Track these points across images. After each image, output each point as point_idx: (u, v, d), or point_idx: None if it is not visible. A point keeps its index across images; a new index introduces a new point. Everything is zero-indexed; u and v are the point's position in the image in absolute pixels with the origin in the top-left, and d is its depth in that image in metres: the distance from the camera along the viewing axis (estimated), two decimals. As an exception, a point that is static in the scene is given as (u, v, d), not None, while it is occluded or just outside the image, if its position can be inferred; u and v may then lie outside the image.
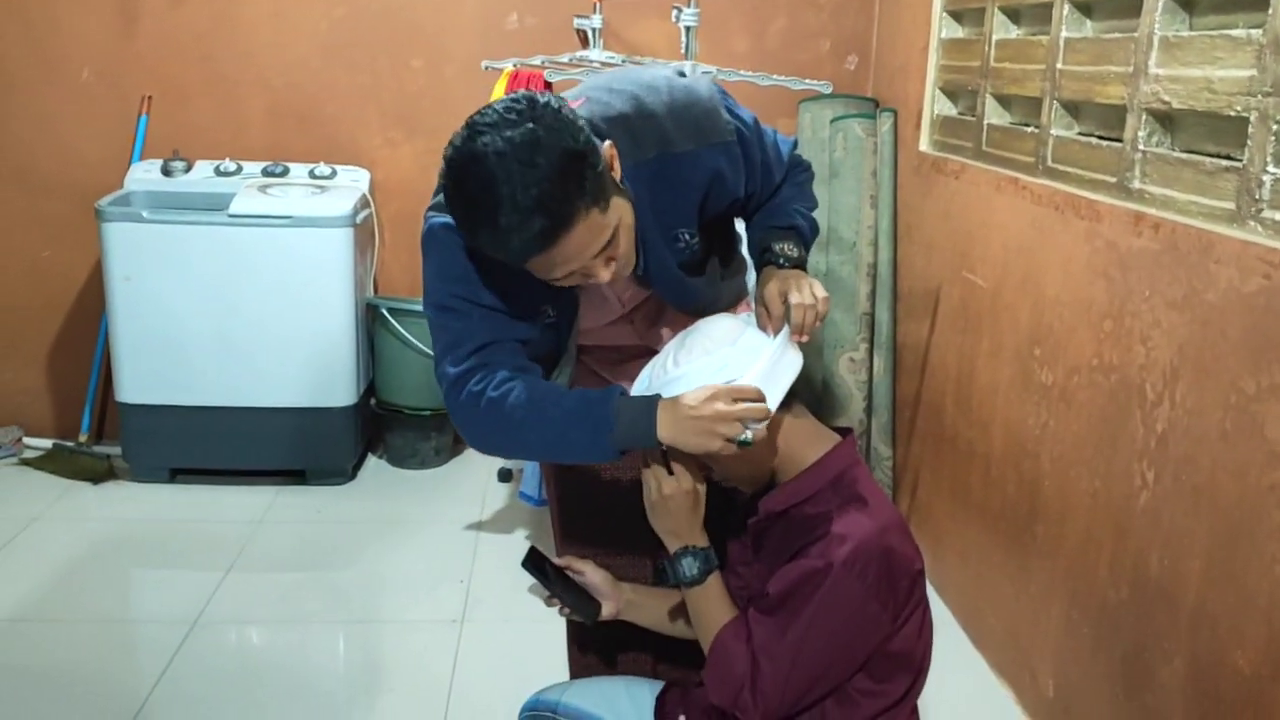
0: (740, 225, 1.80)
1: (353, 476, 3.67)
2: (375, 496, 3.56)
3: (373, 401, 3.77)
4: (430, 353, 3.32)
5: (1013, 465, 2.57)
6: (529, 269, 1.38)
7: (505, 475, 3.65)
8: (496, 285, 1.48)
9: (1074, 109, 2.43)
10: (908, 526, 1.54)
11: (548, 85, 2.92)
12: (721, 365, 1.46)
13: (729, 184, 1.59)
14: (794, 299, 1.50)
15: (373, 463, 3.81)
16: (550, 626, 2.76)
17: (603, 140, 1.41)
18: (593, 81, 1.60)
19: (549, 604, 1.70)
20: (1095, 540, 2.17)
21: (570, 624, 1.92)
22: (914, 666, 1.54)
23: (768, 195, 1.71)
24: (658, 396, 1.45)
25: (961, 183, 2.94)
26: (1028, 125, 2.66)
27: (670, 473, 1.50)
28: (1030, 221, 2.50)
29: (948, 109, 3.19)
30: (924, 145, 3.26)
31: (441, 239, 1.49)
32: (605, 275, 1.42)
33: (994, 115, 2.84)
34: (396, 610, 2.90)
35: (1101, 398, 2.16)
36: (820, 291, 1.52)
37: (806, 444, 1.54)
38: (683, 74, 1.60)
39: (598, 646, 1.91)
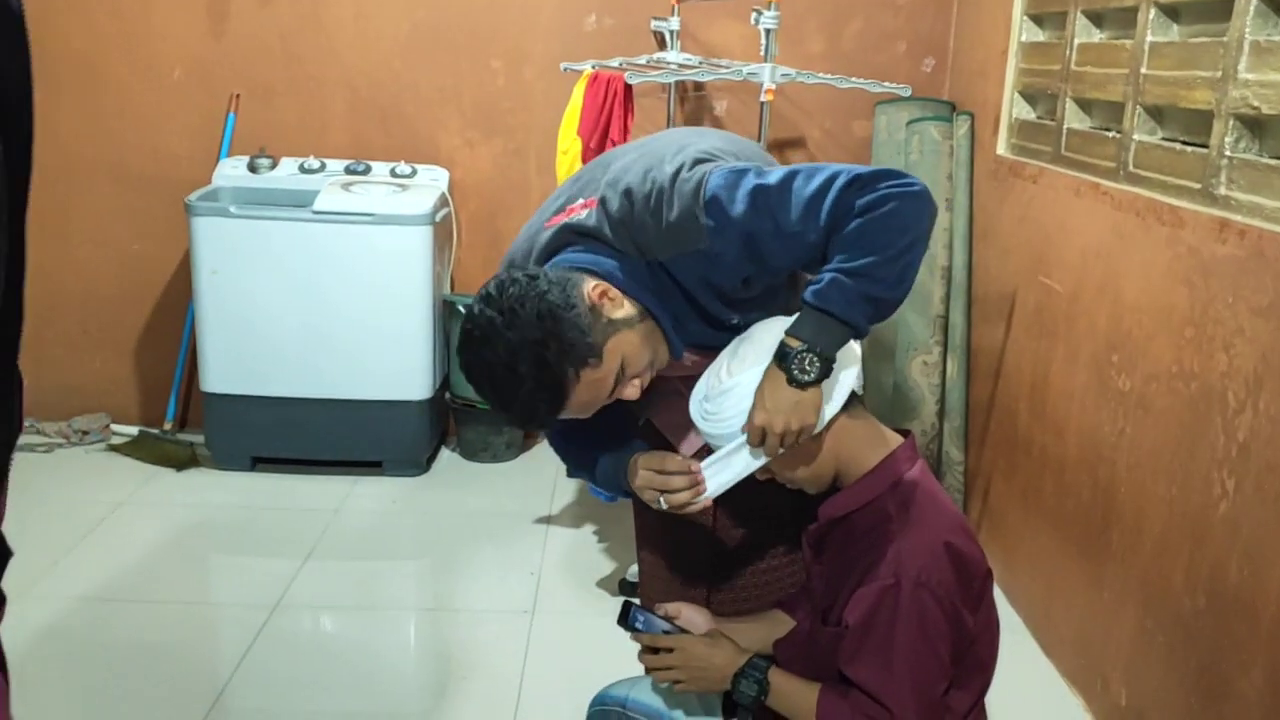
0: None
1: (427, 468, 3.74)
2: (449, 488, 3.63)
3: (447, 395, 3.84)
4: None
5: (1087, 471, 2.55)
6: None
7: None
8: None
9: (1158, 114, 2.41)
10: (970, 528, 1.54)
11: (628, 87, 2.95)
12: None
13: (717, 282, 1.56)
14: (754, 419, 1.47)
15: (445, 455, 3.89)
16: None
17: (606, 252, 1.53)
18: (621, 161, 1.60)
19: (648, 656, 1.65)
20: (1172, 548, 2.16)
21: (640, 533, 1.99)
22: (988, 668, 1.55)
23: (819, 252, 1.51)
24: (636, 457, 1.64)
25: (1039, 187, 2.92)
26: (1109, 130, 2.64)
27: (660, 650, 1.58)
28: (1110, 227, 2.48)
29: (1026, 113, 3.17)
30: (1001, 149, 3.24)
31: None
32: (634, 393, 1.56)
33: (1074, 119, 2.82)
34: (469, 599, 2.95)
35: (1181, 405, 2.14)
36: (780, 425, 1.44)
37: (866, 447, 1.54)
38: (703, 158, 1.55)
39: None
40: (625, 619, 1.63)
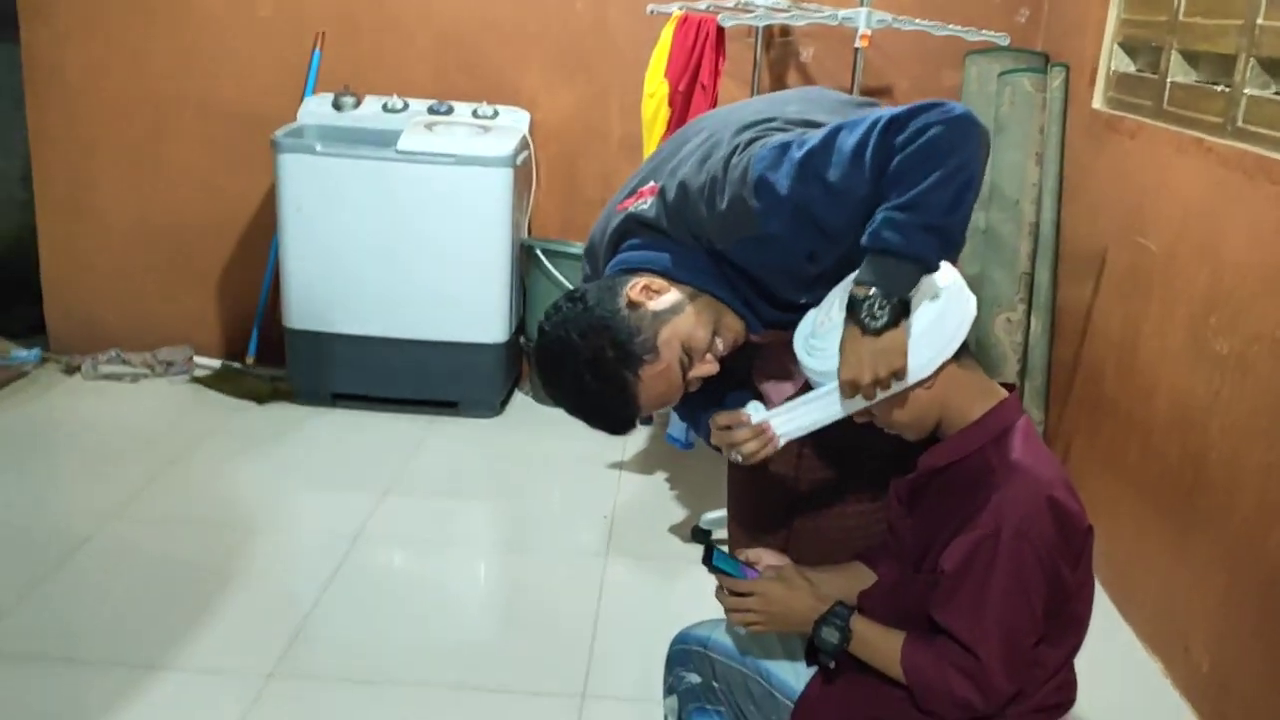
0: None
1: (501, 410, 3.77)
2: (522, 430, 3.66)
3: (522, 339, 3.86)
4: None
5: (1177, 434, 2.50)
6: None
7: (647, 417, 3.71)
8: None
9: (1272, 67, 2.32)
10: (1072, 485, 1.52)
11: (720, 30, 2.90)
12: None
13: (779, 264, 1.54)
14: (841, 374, 1.45)
15: (519, 398, 3.91)
16: (695, 567, 2.82)
17: (666, 241, 1.57)
18: (692, 142, 1.61)
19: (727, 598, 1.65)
20: (1267, 515, 2.11)
21: (729, 477, 1.99)
22: (1083, 625, 1.53)
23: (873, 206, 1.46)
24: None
25: (1138, 142, 2.84)
26: (1216, 84, 2.55)
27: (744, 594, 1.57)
28: (1215, 184, 2.41)
29: (1125, 65, 3.07)
30: (1097, 103, 3.15)
31: None
32: (711, 369, 1.59)
33: (1179, 73, 2.73)
34: (544, 540, 2.99)
35: (1284, 369, 2.08)
36: (868, 376, 1.42)
37: (972, 398, 1.52)
38: (759, 136, 1.54)
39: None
40: (709, 560, 1.64)
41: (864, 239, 1.41)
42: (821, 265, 1.54)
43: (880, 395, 1.46)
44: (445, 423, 3.65)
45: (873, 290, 1.39)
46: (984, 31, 2.88)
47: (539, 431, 3.66)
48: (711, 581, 1.63)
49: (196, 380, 3.87)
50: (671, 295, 1.55)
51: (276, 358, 3.90)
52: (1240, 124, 2.37)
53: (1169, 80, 2.74)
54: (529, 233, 3.90)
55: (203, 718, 2.15)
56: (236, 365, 3.92)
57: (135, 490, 3.03)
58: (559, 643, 2.48)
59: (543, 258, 3.65)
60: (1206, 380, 2.38)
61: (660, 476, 3.33)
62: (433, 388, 3.68)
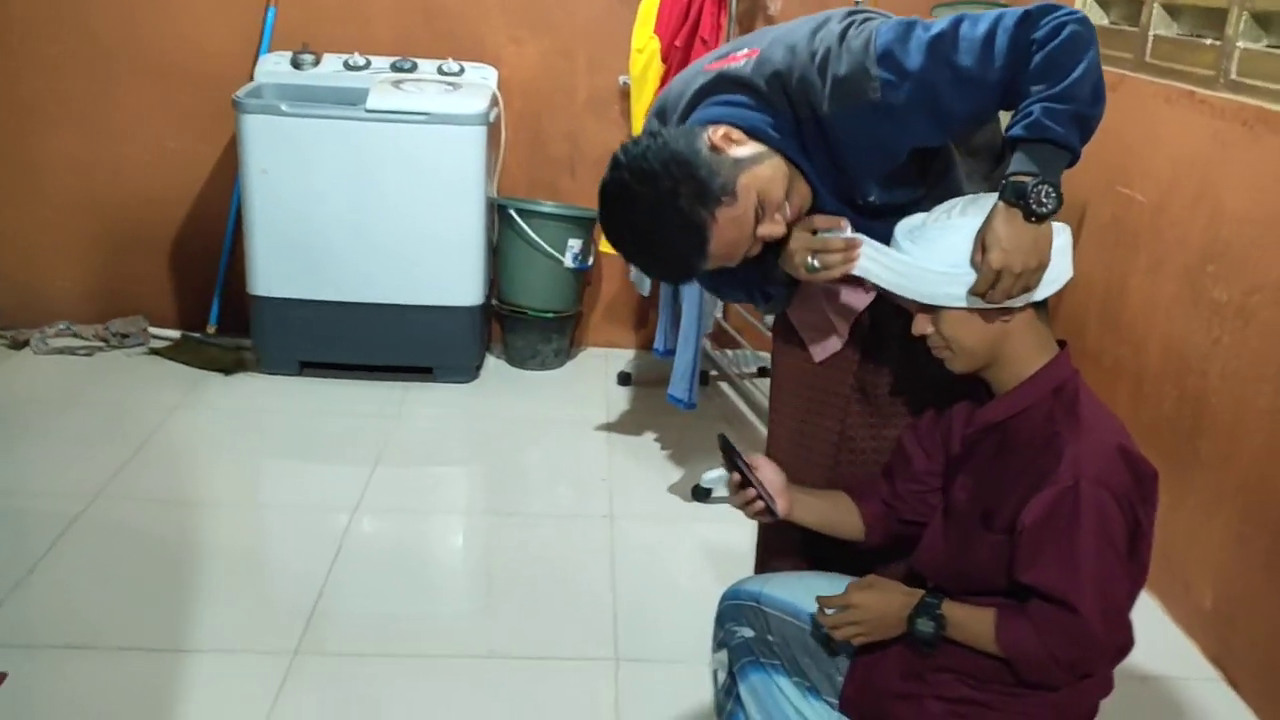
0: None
1: (476, 375, 3.71)
2: (503, 395, 3.61)
3: (494, 302, 3.80)
4: (557, 255, 3.33)
5: (1172, 381, 2.57)
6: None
7: (625, 379, 3.69)
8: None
9: (1265, 20, 2.38)
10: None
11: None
12: None
13: (888, 141, 1.55)
14: (992, 261, 1.42)
15: (492, 362, 3.85)
16: (702, 526, 2.84)
17: (756, 101, 1.55)
18: (776, 30, 1.62)
19: (736, 491, 1.65)
20: (1276, 457, 2.18)
21: (761, 530, 1.95)
22: (1147, 570, 1.57)
23: (998, 95, 1.52)
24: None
25: (1119, 95, 2.89)
26: (1202, 36, 2.61)
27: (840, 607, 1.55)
28: (1210, 136, 2.47)
29: (1099, 18, 3.12)
30: (1071, 56, 3.19)
31: None
32: (779, 229, 1.56)
33: (1160, 26, 2.78)
34: (545, 505, 2.97)
35: (1293, 315, 2.15)
36: (1020, 263, 1.41)
37: (1034, 349, 1.52)
38: (871, 17, 1.55)
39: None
40: (728, 458, 1.64)
41: (1017, 129, 1.43)
42: (910, 153, 1.56)
43: (1003, 299, 1.45)
44: (421, 389, 3.58)
45: (1037, 177, 1.41)
46: (973, -15, 2.90)
47: (518, 395, 3.62)
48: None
49: (155, 352, 3.72)
50: (752, 146, 1.55)
51: (239, 327, 3.77)
52: (1234, 76, 2.43)
53: (1151, 33, 2.80)
54: (496, 192, 3.82)
55: (236, 698, 2.10)
56: (197, 335, 3.78)
57: (115, 468, 2.91)
58: (581, 608, 2.47)
59: (516, 217, 3.59)
60: (1205, 328, 2.45)
61: (650, 437, 3.33)
62: (407, 353, 3.61)
